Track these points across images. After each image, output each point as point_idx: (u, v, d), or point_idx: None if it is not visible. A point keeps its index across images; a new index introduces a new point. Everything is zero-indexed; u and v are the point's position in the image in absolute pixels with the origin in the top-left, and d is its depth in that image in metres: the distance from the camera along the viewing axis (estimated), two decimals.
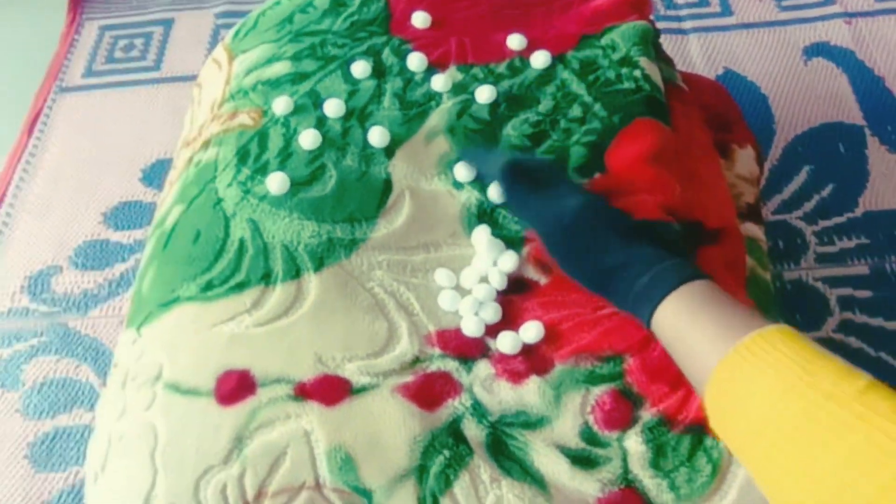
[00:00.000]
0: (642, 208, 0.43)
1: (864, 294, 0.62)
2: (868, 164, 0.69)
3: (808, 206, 0.67)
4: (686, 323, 0.34)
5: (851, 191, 0.68)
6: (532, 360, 0.41)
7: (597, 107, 0.49)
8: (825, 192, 0.68)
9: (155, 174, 0.71)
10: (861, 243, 0.65)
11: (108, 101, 0.78)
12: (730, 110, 0.60)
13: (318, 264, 0.44)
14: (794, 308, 0.61)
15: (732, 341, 0.32)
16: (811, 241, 0.65)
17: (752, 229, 0.51)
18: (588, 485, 0.38)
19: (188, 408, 0.40)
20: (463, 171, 0.48)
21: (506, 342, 0.42)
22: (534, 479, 0.38)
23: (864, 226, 0.65)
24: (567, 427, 0.39)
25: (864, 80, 0.75)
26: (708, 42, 0.80)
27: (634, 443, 0.38)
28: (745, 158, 0.56)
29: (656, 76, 0.52)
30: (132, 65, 0.81)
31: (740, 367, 0.31)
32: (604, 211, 0.40)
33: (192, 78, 0.78)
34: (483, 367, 0.41)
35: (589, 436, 0.39)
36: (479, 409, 0.40)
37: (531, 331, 0.42)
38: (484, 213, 0.47)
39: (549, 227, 0.41)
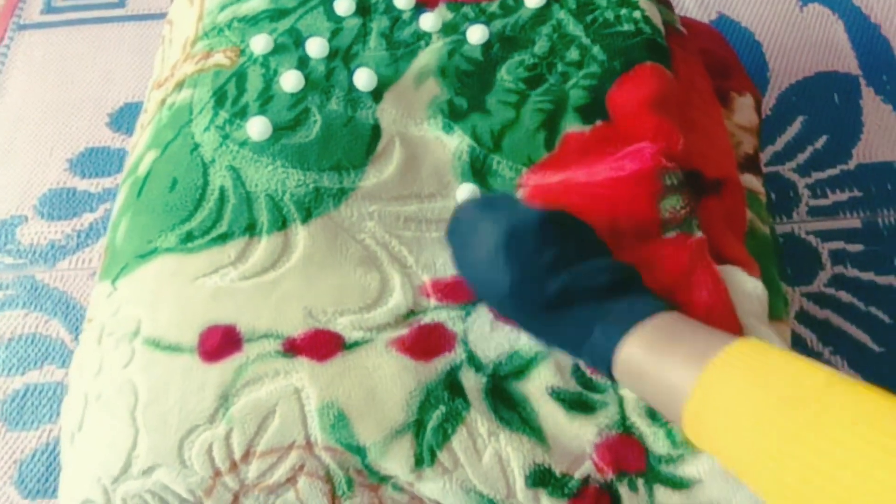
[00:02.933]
0: (637, 161, 0.42)
1: (856, 248, 0.61)
2: (862, 115, 0.68)
3: (802, 157, 0.66)
4: (655, 355, 0.33)
5: (845, 142, 0.67)
6: None
7: (595, 49, 0.47)
8: (819, 144, 0.67)
9: (123, 119, 0.67)
10: (854, 196, 0.64)
11: (71, 40, 0.73)
12: (728, 57, 0.58)
13: (306, 215, 0.42)
14: (785, 262, 0.60)
15: (703, 362, 0.31)
16: (804, 193, 0.64)
17: (752, 181, 0.50)
18: (586, 430, 0.37)
19: (170, 365, 0.38)
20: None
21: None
22: (532, 429, 0.37)
23: (858, 178, 0.65)
24: (560, 368, 0.38)
25: (860, 27, 0.74)
26: None
27: (629, 392, 0.38)
28: (744, 107, 0.54)
29: (656, 18, 0.50)
30: (95, 1, 0.76)
31: (715, 387, 0.30)
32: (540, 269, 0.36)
33: (160, 16, 0.73)
34: (479, 314, 0.40)
35: (583, 379, 0.38)
36: (474, 360, 0.38)
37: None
38: (476, 160, 0.45)
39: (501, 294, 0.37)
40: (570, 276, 0.36)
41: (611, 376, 0.35)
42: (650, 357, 0.33)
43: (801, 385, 0.28)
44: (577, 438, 0.37)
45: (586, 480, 0.37)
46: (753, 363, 0.30)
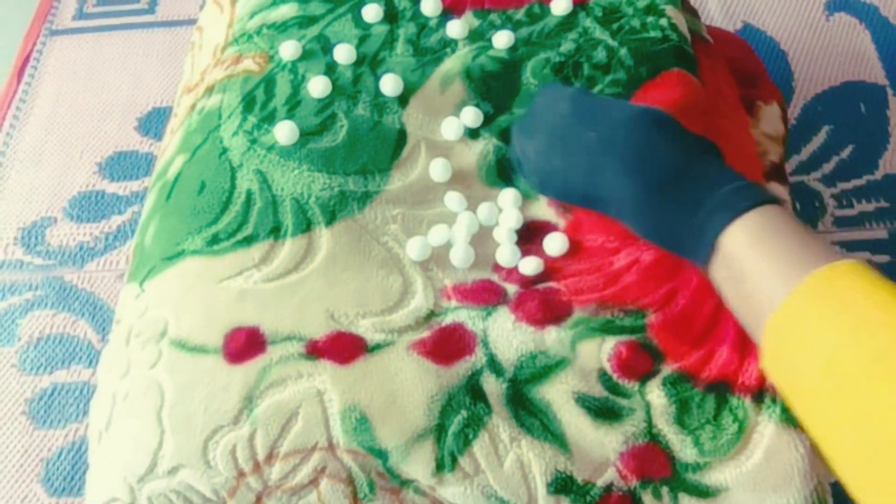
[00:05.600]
0: None
1: (883, 259, 0.61)
2: (889, 125, 0.67)
3: (827, 167, 0.66)
4: (760, 244, 0.32)
5: (872, 152, 0.66)
6: (551, 307, 0.40)
7: (622, 52, 0.47)
8: (845, 154, 0.66)
9: (151, 123, 0.68)
10: (880, 207, 0.63)
11: (101, 46, 0.74)
12: (754, 65, 0.58)
13: (330, 218, 0.42)
14: None
15: (802, 274, 0.29)
16: (829, 203, 0.64)
17: (778, 189, 0.50)
18: (611, 438, 0.37)
19: (195, 366, 0.38)
20: (470, 115, 0.45)
21: (529, 265, 0.41)
22: (554, 436, 0.37)
23: (885, 189, 0.64)
24: (585, 372, 0.38)
25: (887, 36, 0.73)
26: None
27: (657, 396, 0.38)
28: (770, 116, 0.54)
29: (683, 26, 0.50)
30: (125, 7, 0.77)
31: (809, 302, 0.29)
32: (671, 122, 0.37)
33: (188, 22, 0.75)
34: (500, 314, 0.40)
35: (609, 384, 0.38)
36: (495, 364, 0.38)
37: (555, 242, 0.42)
38: (502, 159, 0.45)
39: (607, 131, 0.37)
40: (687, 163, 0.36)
41: (706, 264, 0.34)
42: (755, 248, 0.31)
43: None
44: (601, 446, 0.37)
45: (609, 487, 0.37)
46: (857, 288, 0.28)
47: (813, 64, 0.72)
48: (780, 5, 0.76)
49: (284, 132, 0.44)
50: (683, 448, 0.37)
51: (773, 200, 0.34)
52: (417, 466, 0.37)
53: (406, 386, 0.38)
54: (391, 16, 0.50)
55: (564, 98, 0.40)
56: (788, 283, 0.30)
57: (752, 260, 0.32)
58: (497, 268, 0.42)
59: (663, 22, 0.49)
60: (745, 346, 0.38)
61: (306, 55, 0.48)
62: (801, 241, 0.32)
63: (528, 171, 0.42)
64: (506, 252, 0.42)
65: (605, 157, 0.37)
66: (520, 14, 0.50)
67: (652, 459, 0.37)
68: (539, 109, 0.42)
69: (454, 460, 0.36)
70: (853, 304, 0.28)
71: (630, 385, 0.38)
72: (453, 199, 0.43)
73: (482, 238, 0.43)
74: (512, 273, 0.42)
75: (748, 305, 0.33)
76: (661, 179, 0.36)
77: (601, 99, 0.40)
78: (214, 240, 0.42)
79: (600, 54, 0.47)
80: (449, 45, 0.49)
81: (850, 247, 0.61)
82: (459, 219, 0.43)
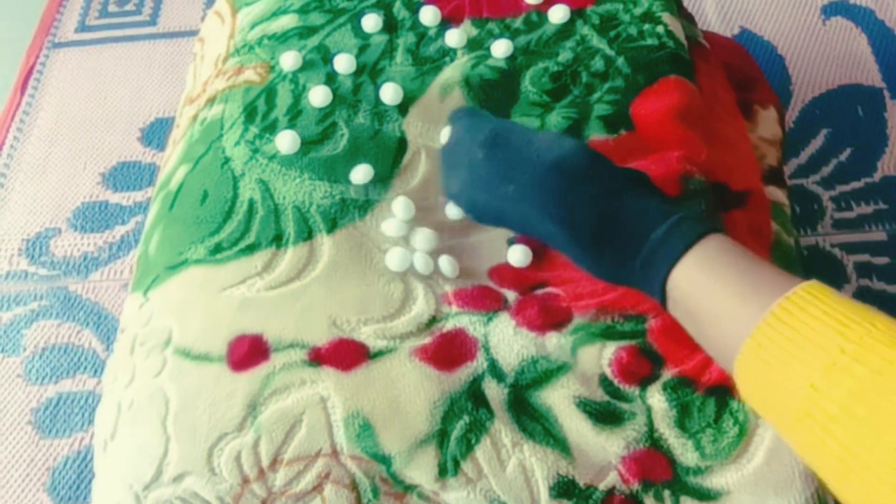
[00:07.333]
0: (662, 165, 0.42)
1: (882, 261, 0.61)
2: (887, 127, 0.68)
3: (826, 170, 0.66)
4: (708, 284, 0.31)
5: (870, 155, 0.66)
6: (550, 313, 0.40)
7: (619, 61, 0.48)
8: (843, 157, 0.67)
9: (154, 134, 0.69)
10: (879, 209, 0.63)
11: (104, 58, 0.75)
12: (751, 70, 0.58)
13: (332, 226, 0.43)
14: (810, 275, 0.60)
15: (762, 306, 0.29)
16: (828, 206, 0.64)
17: (776, 193, 0.50)
18: (613, 442, 0.37)
19: (200, 374, 0.39)
20: (453, 210, 0.44)
21: (515, 254, 0.42)
22: (556, 441, 0.37)
23: (883, 191, 0.64)
24: (586, 377, 0.38)
25: (883, 40, 0.73)
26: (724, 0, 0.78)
27: (658, 401, 0.38)
28: (767, 120, 0.54)
29: (679, 33, 0.50)
30: (127, 19, 0.78)
31: (774, 340, 0.28)
32: (604, 160, 0.36)
33: (190, 34, 0.75)
34: (501, 320, 0.40)
35: (610, 389, 0.38)
36: (496, 369, 0.39)
37: (517, 254, 0.42)
38: None
39: (524, 184, 0.35)
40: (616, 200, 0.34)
41: (663, 304, 0.33)
42: (708, 281, 0.31)
43: (887, 354, 0.26)
44: (602, 451, 0.37)
45: (611, 491, 0.37)
46: (818, 316, 0.28)
47: (810, 68, 0.72)
48: (776, 10, 0.76)
49: (286, 141, 0.45)
50: (684, 452, 0.37)
51: (711, 230, 0.33)
52: (420, 472, 0.37)
53: (408, 392, 0.38)
54: (390, 26, 0.51)
55: (477, 139, 0.38)
56: (748, 322, 0.29)
57: (704, 302, 0.31)
58: (492, 274, 0.43)
59: (660, 29, 0.49)
60: None
61: (307, 65, 0.49)
62: (747, 272, 0.31)
63: (462, 206, 0.40)
64: (517, 252, 0.42)
65: (529, 208, 0.35)
66: (518, 23, 0.51)
67: (653, 463, 0.37)
68: (458, 142, 0.40)
69: (457, 465, 0.37)
70: (817, 335, 0.28)
71: (631, 390, 0.38)
72: (453, 210, 0.44)
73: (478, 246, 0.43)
74: (506, 280, 0.42)
75: (711, 345, 0.33)
76: (590, 227, 0.34)
77: (516, 141, 0.37)
78: (217, 249, 0.42)
79: (598, 63, 0.48)
80: (448, 54, 0.49)
81: (850, 249, 0.62)
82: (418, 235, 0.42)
